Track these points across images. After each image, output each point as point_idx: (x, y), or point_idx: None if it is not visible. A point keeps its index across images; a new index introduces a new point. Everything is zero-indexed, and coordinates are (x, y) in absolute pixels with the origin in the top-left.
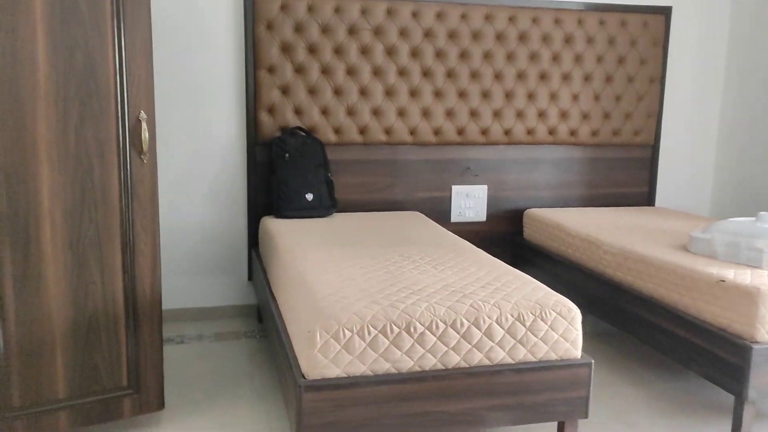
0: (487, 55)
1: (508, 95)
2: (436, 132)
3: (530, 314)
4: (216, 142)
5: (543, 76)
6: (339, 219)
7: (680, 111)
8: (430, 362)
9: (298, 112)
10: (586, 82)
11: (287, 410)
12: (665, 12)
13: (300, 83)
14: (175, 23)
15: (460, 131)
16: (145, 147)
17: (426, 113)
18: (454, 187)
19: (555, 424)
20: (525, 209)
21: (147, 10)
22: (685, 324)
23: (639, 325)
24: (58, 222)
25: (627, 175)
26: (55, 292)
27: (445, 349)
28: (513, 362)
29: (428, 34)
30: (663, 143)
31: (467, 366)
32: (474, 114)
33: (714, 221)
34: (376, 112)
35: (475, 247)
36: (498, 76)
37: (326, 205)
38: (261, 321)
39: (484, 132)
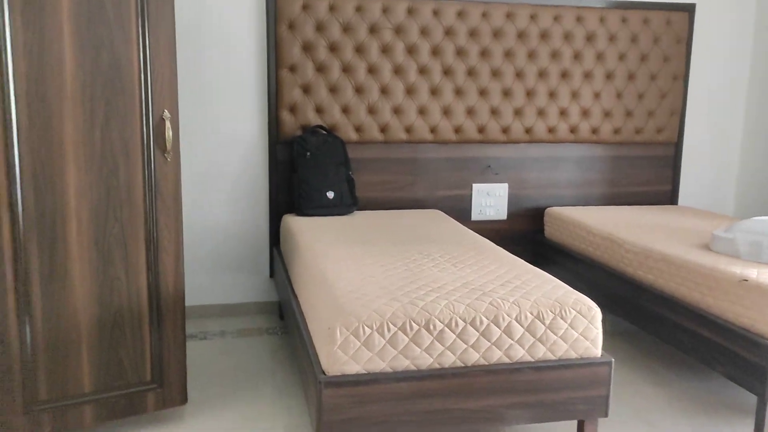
0: (509, 54)
1: (530, 93)
2: (457, 130)
3: (550, 312)
4: (238, 141)
5: (564, 74)
6: (360, 217)
7: (704, 108)
8: (450, 359)
9: (319, 110)
10: (608, 80)
11: (308, 406)
12: (689, 9)
13: (321, 82)
14: (198, 23)
15: (481, 129)
16: (168, 145)
17: (447, 111)
18: (474, 185)
19: (575, 422)
20: (546, 208)
21: (171, 10)
22: (708, 323)
23: (660, 325)
24: (84, 220)
25: (649, 173)
26: (81, 288)
27: (465, 346)
28: (532, 360)
29: (449, 32)
30: (686, 141)
31: (486, 363)
32: (495, 112)
33: (737, 220)
34: (396, 111)
35: (495, 245)
36: (519, 75)
37: (347, 203)
38: (282, 318)
39: (505, 130)
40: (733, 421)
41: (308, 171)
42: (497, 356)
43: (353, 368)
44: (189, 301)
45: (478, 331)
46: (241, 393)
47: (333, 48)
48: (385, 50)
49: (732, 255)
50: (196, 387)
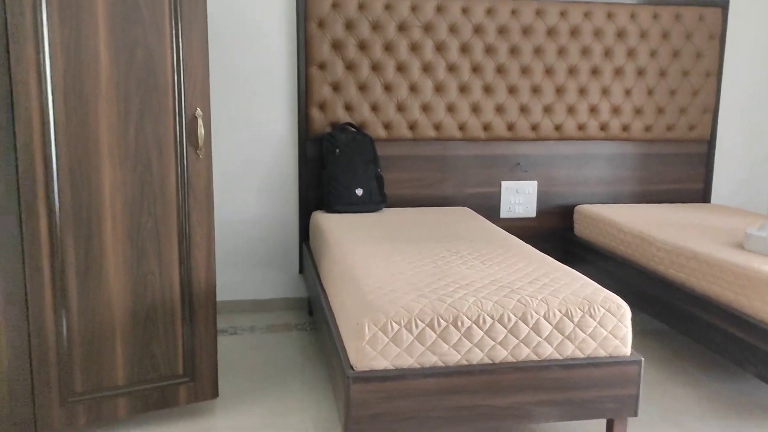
0: (538, 51)
1: (559, 90)
2: (486, 127)
3: (578, 310)
4: (268, 138)
5: (595, 71)
6: (388, 214)
7: (738, 105)
8: (477, 356)
9: (348, 108)
10: (639, 77)
11: (336, 401)
12: (723, 5)
13: (350, 80)
14: (229, 21)
15: (510, 127)
16: (201, 142)
17: (475, 109)
18: (503, 182)
19: (603, 422)
20: (575, 205)
21: (203, 10)
22: (740, 323)
23: (691, 324)
24: (118, 215)
25: (681, 171)
26: (116, 283)
27: (492, 343)
28: (561, 358)
29: (478, 30)
30: (719, 138)
31: (514, 361)
32: (524, 109)
33: None
34: (425, 108)
35: (523, 242)
36: (549, 72)
37: (376, 201)
38: (311, 314)
39: (535, 128)
40: (765, 423)
41: (337, 168)
42: (525, 353)
43: (381, 364)
44: (219, 296)
45: (505, 328)
46: (270, 388)
47: (362, 46)
48: (414, 48)
49: (766, 254)
50: (227, 381)
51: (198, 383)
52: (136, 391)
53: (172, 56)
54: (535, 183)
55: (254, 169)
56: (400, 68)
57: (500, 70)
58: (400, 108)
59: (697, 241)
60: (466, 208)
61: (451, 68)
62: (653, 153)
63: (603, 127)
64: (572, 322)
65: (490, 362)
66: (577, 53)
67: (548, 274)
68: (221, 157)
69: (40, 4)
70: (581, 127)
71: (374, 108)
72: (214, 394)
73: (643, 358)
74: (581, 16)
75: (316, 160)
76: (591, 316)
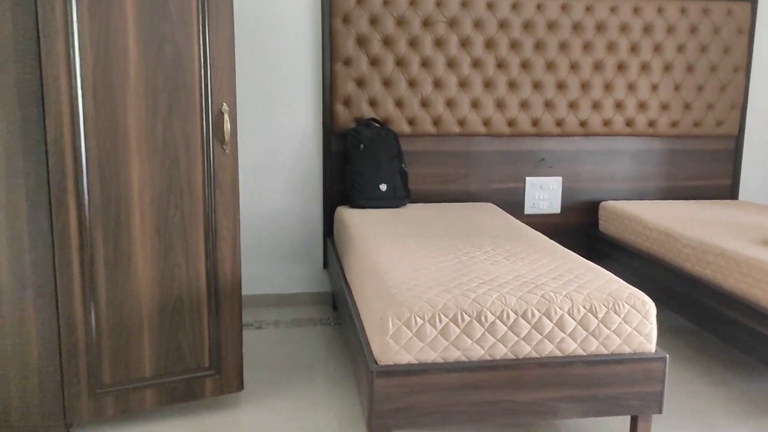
0: (563, 46)
1: (584, 86)
2: (510, 123)
3: (603, 306)
4: (293, 133)
5: (621, 67)
6: (412, 209)
7: (767, 101)
8: (501, 351)
9: (372, 103)
10: (665, 72)
11: (360, 395)
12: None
13: (375, 75)
14: (255, 17)
15: (535, 122)
16: (227, 137)
17: (500, 104)
18: (528, 178)
19: (627, 419)
20: (600, 201)
21: (230, 7)
22: None
23: (718, 322)
24: (146, 209)
25: (709, 167)
26: (144, 275)
27: (516, 339)
28: (585, 354)
29: (503, 25)
30: (748, 134)
31: (538, 356)
32: (549, 105)
33: None
34: (449, 104)
35: (548, 238)
36: (574, 67)
37: (400, 196)
38: (335, 308)
39: (559, 123)
40: None
41: (362, 163)
42: (549, 349)
43: (405, 358)
44: (244, 290)
45: (529, 323)
46: (294, 382)
47: (387, 42)
48: (439, 44)
49: None
50: (252, 375)
51: (223, 376)
52: (162, 382)
53: (199, 53)
54: (559, 179)
55: (279, 164)
56: (425, 64)
57: (525, 65)
58: (425, 103)
59: (724, 238)
60: (490, 203)
61: (476, 63)
62: (680, 149)
63: (629, 123)
64: (596, 318)
65: (514, 358)
66: (602, 48)
67: (572, 270)
68: (247, 152)
69: (71, 0)
70: (607, 123)
71: (398, 103)
72: (240, 387)
73: (668, 355)
74: (607, 11)
75: (341, 155)
76: (615, 312)
